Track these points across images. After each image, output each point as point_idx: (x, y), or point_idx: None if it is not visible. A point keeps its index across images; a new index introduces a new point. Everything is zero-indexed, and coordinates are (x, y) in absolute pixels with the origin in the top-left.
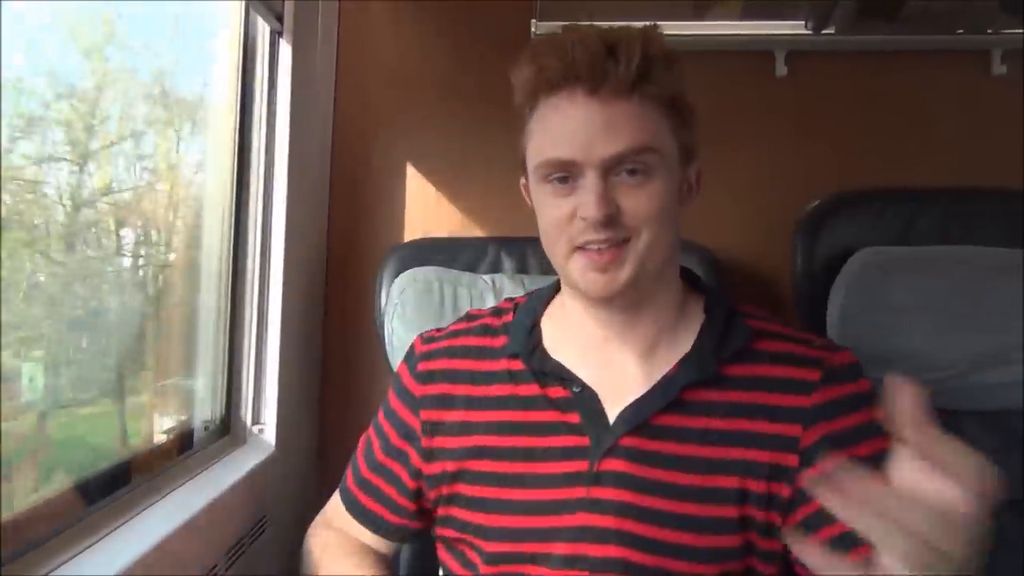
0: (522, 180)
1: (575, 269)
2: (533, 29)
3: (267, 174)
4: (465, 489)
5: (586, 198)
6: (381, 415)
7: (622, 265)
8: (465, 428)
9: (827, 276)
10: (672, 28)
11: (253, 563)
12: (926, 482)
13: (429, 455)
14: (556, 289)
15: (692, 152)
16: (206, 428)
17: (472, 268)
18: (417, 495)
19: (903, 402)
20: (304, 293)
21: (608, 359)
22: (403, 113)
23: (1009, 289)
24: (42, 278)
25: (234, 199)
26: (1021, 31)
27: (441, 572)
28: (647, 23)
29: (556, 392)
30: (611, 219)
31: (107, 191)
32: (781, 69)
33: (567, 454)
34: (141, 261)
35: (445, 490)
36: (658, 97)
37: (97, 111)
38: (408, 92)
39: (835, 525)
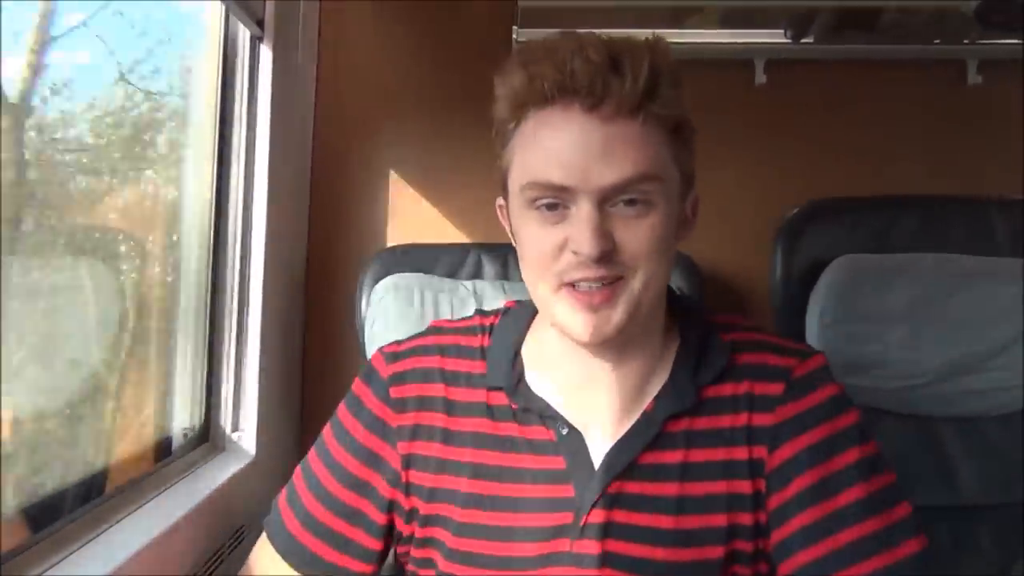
0: (499, 201)
1: (562, 308)
2: (515, 36)
3: (247, 179)
4: (445, 537)
5: (579, 230)
6: (330, 441)
7: (615, 306)
8: (441, 466)
9: (806, 284)
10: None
11: (232, 571)
12: None
13: (407, 488)
14: (536, 310)
15: (692, 180)
16: (185, 435)
17: (453, 274)
18: (387, 531)
19: None
20: (284, 298)
21: (592, 396)
22: (384, 119)
23: (984, 296)
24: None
25: (214, 204)
26: (996, 42)
27: None
28: (651, 34)
29: (537, 433)
30: (606, 255)
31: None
32: (760, 78)
33: (551, 505)
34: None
35: (419, 531)
36: (663, 119)
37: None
38: (389, 98)
39: (811, 548)
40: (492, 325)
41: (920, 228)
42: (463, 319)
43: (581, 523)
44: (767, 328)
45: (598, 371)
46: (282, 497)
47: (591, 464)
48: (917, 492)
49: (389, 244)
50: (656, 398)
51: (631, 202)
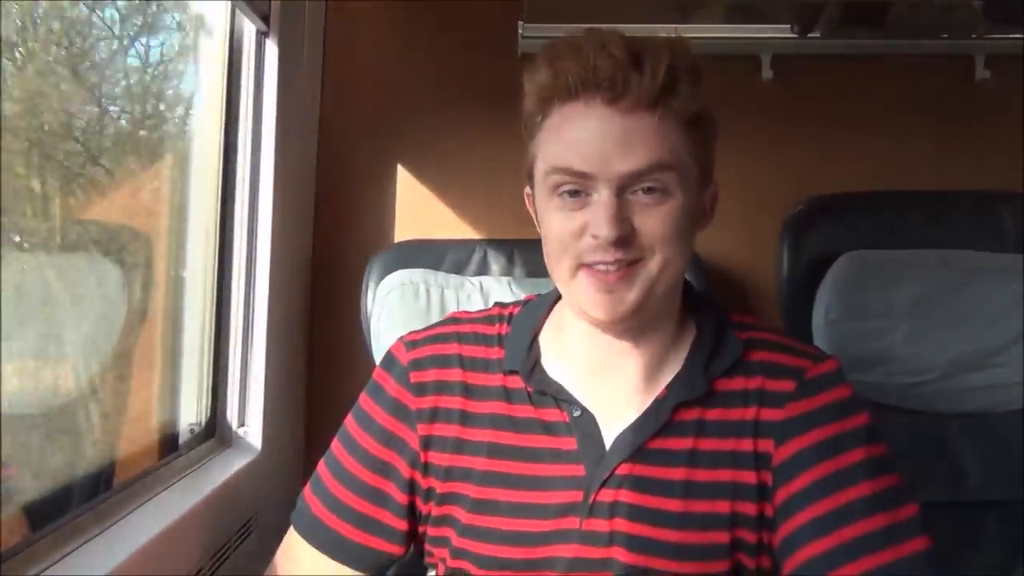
0: (526, 190)
1: (579, 289)
2: (520, 31)
3: (253, 175)
4: (460, 514)
5: (598, 215)
6: (352, 428)
7: (630, 287)
8: (458, 446)
9: (812, 280)
10: (657, 31)
11: (239, 566)
12: None
13: (425, 469)
14: (555, 299)
15: (710, 174)
16: (192, 430)
17: (459, 270)
18: (411, 511)
19: None
20: (290, 294)
21: (606, 380)
22: (390, 114)
23: (990, 292)
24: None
25: (220, 200)
26: (1004, 37)
27: None
28: (673, 31)
29: (551, 415)
30: (623, 239)
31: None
32: (767, 73)
33: (562, 484)
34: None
35: (435, 510)
36: (681, 113)
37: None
38: (395, 93)
39: (816, 543)
40: (511, 314)
41: (927, 224)
42: (482, 310)
43: (590, 501)
44: (781, 330)
45: (613, 356)
46: (306, 489)
47: (602, 445)
48: (922, 488)
49: (395, 240)
50: (668, 386)
51: (649, 190)
